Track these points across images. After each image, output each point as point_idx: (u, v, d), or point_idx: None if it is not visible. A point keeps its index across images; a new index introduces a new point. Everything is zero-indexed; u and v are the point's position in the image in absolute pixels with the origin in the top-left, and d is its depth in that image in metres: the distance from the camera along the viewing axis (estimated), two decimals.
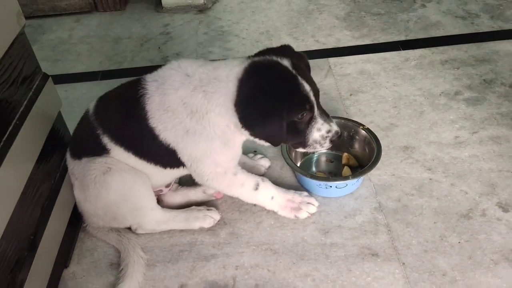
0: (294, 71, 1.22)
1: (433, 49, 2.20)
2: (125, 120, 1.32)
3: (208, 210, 1.46)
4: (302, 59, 1.32)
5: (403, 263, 1.31)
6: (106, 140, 1.33)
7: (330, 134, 1.30)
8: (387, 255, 1.33)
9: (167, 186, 1.50)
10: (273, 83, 1.21)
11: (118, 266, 1.36)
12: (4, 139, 1.07)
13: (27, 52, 1.23)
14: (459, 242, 1.35)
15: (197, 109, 1.25)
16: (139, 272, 1.31)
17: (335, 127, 1.30)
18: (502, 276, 1.25)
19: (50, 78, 1.33)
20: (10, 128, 1.10)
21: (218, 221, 1.46)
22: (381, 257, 1.33)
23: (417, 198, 1.49)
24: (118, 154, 1.34)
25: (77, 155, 1.37)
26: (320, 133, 1.29)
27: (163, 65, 1.35)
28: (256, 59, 1.25)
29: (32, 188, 1.17)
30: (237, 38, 2.44)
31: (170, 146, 1.31)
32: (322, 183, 1.46)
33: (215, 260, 1.36)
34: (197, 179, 1.38)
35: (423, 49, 2.20)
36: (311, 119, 1.28)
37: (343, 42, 2.32)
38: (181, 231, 1.45)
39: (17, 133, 1.11)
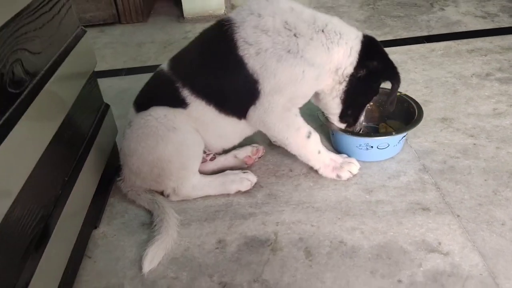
0: None
1: (458, 41, 2.20)
2: (207, 62, 1.31)
3: (244, 172, 1.39)
4: None
5: (458, 216, 1.22)
6: (186, 94, 1.30)
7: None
8: (439, 209, 1.25)
9: (208, 155, 1.45)
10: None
11: (150, 226, 1.28)
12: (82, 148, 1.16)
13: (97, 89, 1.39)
14: None
15: (305, 34, 1.25)
16: (173, 228, 1.23)
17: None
18: None
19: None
20: (93, 145, 1.25)
21: (254, 185, 1.39)
22: (433, 211, 1.24)
23: (463, 160, 1.42)
24: (197, 109, 1.31)
25: (144, 107, 1.34)
26: (362, 118, 1.45)
27: None
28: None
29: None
30: None
31: (254, 76, 1.26)
32: (363, 142, 1.39)
33: (253, 218, 1.28)
34: (262, 115, 1.30)
35: (447, 42, 2.20)
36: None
37: None
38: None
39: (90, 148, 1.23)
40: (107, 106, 1.45)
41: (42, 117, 0.99)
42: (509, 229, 1.16)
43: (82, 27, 1.32)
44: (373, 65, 1.33)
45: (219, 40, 1.30)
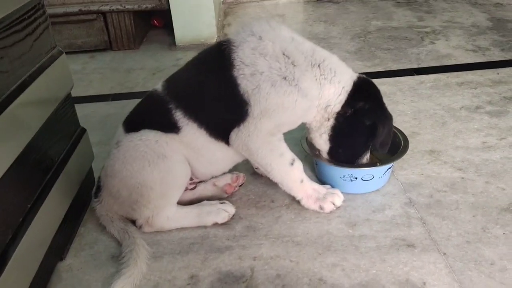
0: None
1: (447, 74, 2.18)
2: (202, 80, 1.29)
3: (221, 203, 1.33)
4: None
5: (444, 253, 1.15)
6: (178, 116, 1.26)
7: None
8: (425, 246, 1.18)
9: (191, 184, 1.40)
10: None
11: (120, 258, 1.21)
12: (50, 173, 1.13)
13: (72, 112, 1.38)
14: (503, 233, 1.20)
15: (299, 63, 1.25)
16: (143, 260, 1.16)
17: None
18: None
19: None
20: (63, 171, 1.20)
21: (233, 216, 1.33)
22: (418, 248, 1.18)
23: (451, 195, 1.37)
24: (189, 133, 1.27)
25: (135, 128, 1.29)
26: (366, 157, 1.39)
27: None
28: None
29: None
30: None
31: (245, 97, 1.24)
32: (347, 173, 1.34)
33: (229, 252, 1.21)
34: (245, 139, 1.26)
35: (437, 74, 2.18)
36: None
37: (357, 69, 2.31)
38: None
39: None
40: (83, 131, 1.40)
41: (3, 139, 0.93)
42: (499, 269, 1.10)
43: (60, 48, 1.29)
44: (359, 105, 1.31)
45: (216, 59, 1.29)
